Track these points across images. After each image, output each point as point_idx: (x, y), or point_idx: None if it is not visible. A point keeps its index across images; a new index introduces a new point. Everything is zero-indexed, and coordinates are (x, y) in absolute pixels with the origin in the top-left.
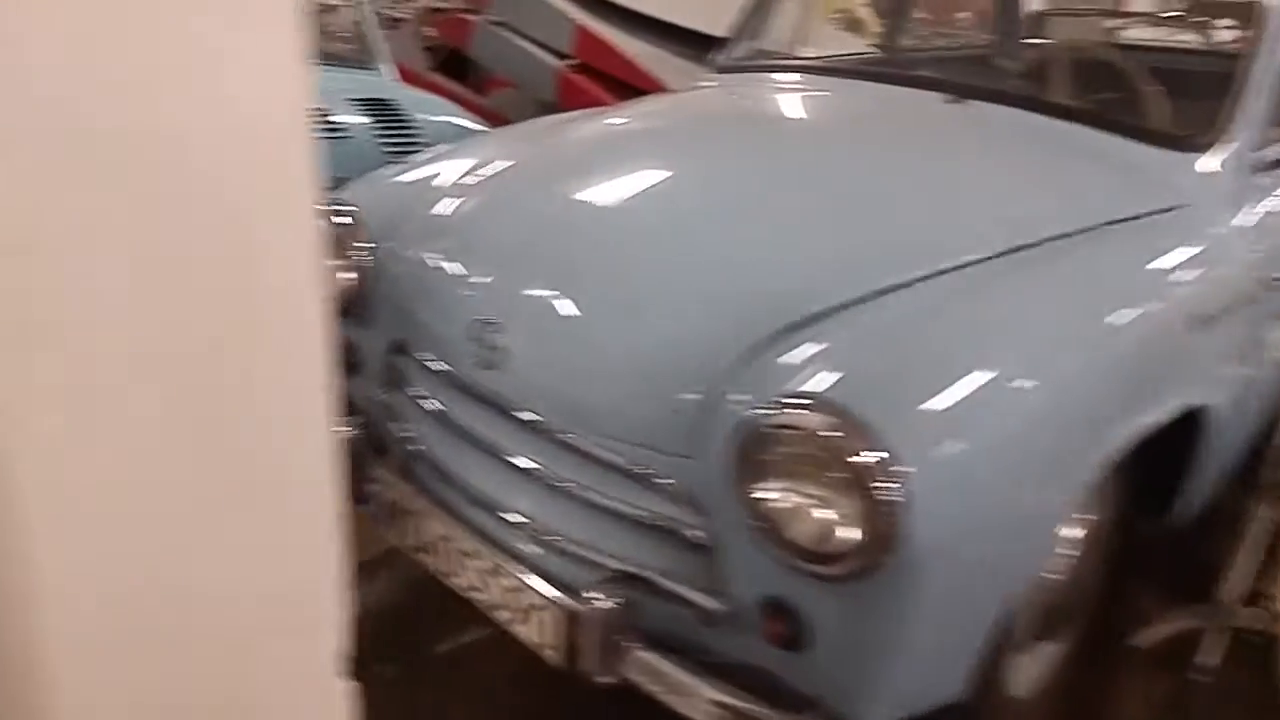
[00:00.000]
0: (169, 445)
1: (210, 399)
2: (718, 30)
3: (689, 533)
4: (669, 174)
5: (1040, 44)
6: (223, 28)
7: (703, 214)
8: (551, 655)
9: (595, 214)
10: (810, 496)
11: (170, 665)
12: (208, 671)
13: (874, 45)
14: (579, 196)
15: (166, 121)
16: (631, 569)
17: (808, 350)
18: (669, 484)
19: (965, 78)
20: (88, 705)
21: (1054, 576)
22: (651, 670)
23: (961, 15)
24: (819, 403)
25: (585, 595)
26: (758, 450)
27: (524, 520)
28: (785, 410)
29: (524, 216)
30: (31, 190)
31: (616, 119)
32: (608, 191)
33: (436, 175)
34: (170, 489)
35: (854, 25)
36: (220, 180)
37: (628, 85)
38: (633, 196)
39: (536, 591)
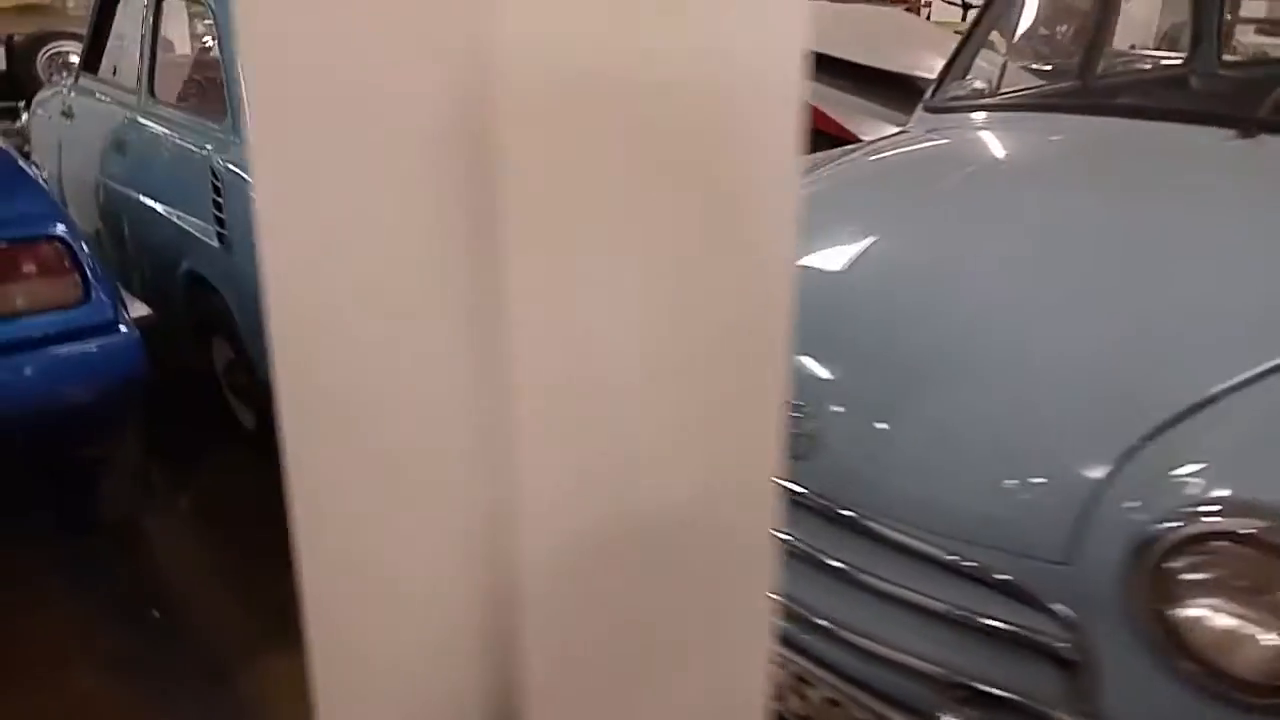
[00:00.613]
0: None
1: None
2: (892, 66)
3: (1053, 645)
4: (976, 241)
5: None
6: None
7: (1033, 287)
8: None
9: (910, 288)
10: (1248, 618)
11: (627, 597)
12: (668, 602)
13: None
14: (882, 265)
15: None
16: (986, 687)
17: (1207, 446)
18: (1027, 591)
19: (1226, 108)
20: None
21: None
22: None
23: (1060, 30)
24: (1252, 507)
25: (938, 717)
26: (1170, 562)
27: (836, 625)
28: (1205, 517)
29: (822, 289)
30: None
31: (871, 170)
32: (916, 261)
33: None
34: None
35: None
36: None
37: None
38: (947, 269)
39: (865, 707)
